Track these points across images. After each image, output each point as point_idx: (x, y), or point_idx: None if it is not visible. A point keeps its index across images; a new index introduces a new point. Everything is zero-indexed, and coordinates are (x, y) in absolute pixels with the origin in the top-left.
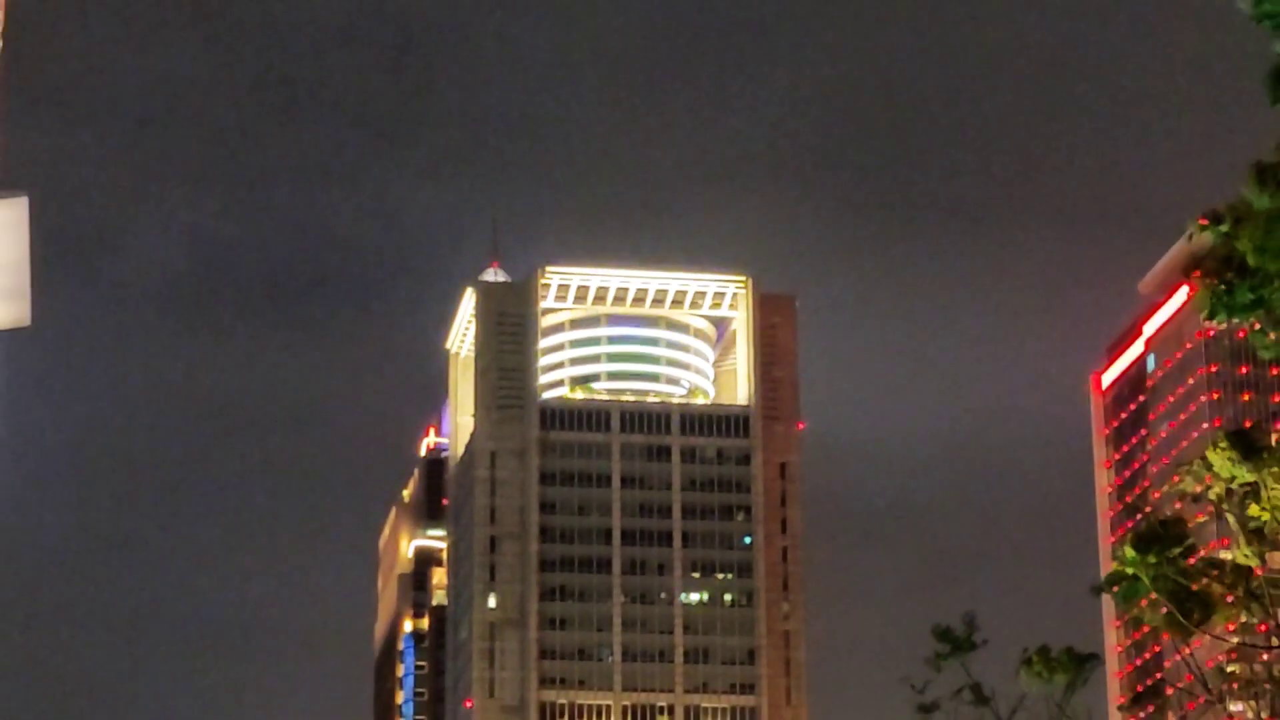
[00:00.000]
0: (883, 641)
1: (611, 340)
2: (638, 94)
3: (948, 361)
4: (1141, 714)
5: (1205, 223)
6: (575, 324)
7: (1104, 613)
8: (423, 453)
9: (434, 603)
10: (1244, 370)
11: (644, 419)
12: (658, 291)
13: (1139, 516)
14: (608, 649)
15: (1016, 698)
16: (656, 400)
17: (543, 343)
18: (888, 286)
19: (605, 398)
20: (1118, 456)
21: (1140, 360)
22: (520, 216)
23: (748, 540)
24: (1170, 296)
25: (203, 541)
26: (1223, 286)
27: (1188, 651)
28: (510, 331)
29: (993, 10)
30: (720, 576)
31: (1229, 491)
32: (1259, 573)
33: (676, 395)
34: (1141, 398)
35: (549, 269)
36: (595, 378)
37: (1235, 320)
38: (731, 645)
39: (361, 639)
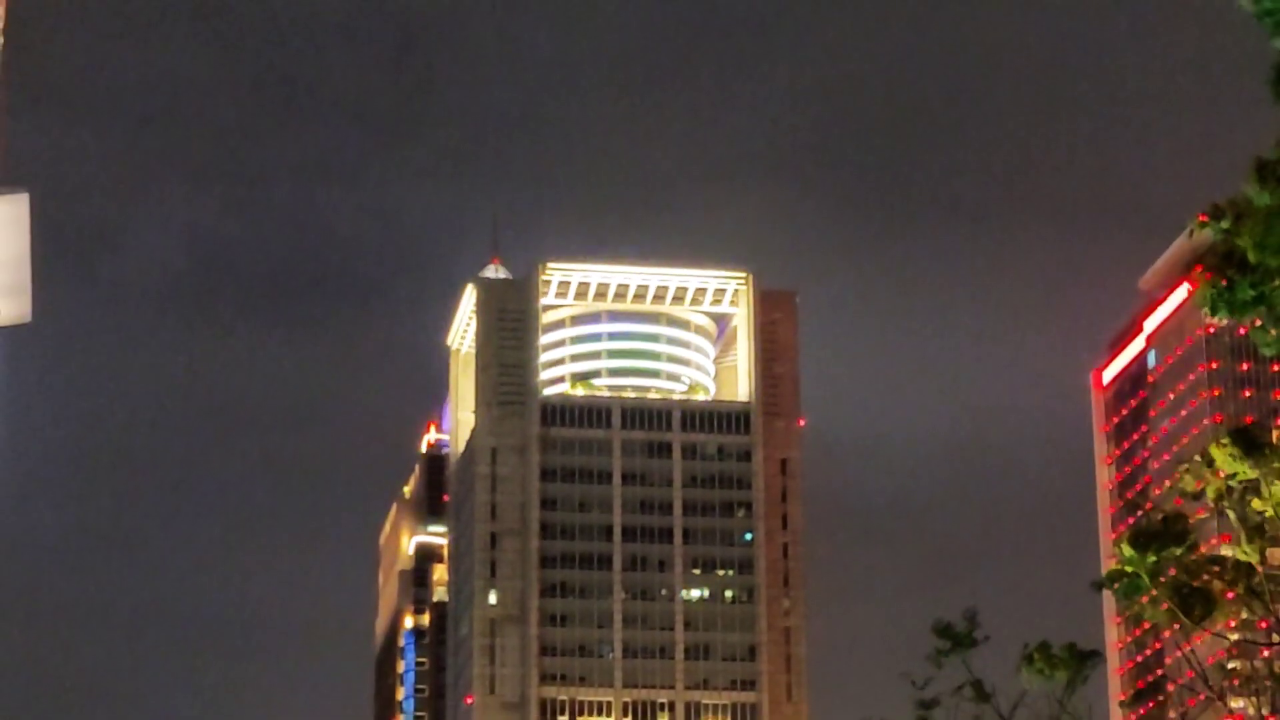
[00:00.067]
0: (883, 638)
1: (612, 336)
2: (638, 91)
3: (948, 358)
4: (1142, 710)
5: (1205, 219)
6: (576, 320)
7: (1105, 609)
8: (423, 449)
9: (435, 599)
10: (1245, 367)
11: (644, 415)
12: (658, 288)
13: (1140, 513)
14: (608, 645)
15: (1017, 694)
16: (657, 396)
17: (543, 339)
18: (888, 283)
19: (606, 394)
20: (1118, 453)
21: (1141, 357)
22: (521, 213)
23: (748, 537)
24: (1171, 293)
25: (204, 538)
26: (1223, 283)
27: (1188, 648)
28: (511, 328)
29: (993, 8)
30: (721, 573)
31: (1229, 489)
32: (1260, 570)
33: (677, 391)
34: (1142, 394)
35: (549, 265)
36: (596, 374)
37: (1236, 317)
38: (732, 642)
39: (362, 635)
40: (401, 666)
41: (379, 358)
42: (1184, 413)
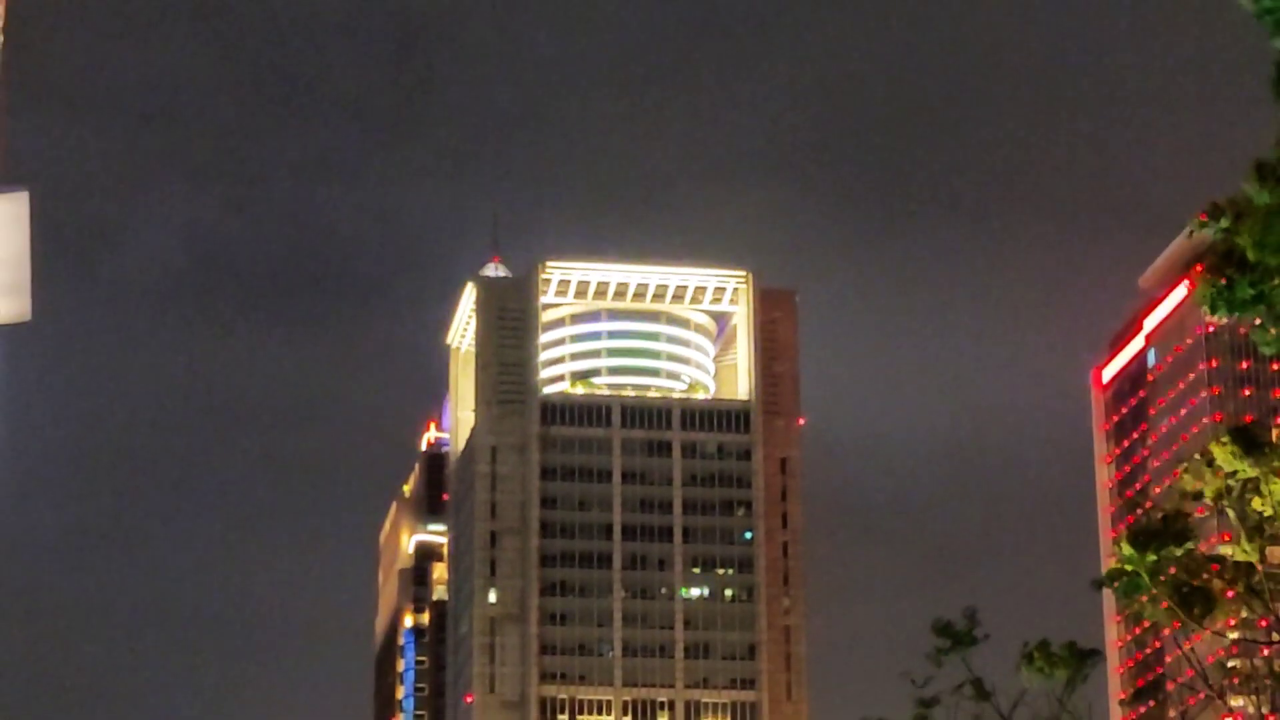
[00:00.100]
0: (883, 636)
1: (612, 335)
2: (638, 90)
3: (948, 357)
4: (1142, 709)
5: (1205, 218)
6: (576, 319)
7: (1104, 608)
8: (423, 448)
9: (434, 598)
10: (1245, 365)
11: (644, 414)
12: (658, 286)
13: (1140, 511)
14: (608, 644)
15: (1017, 693)
16: (657, 395)
17: (543, 338)
18: (888, 282)
19: (606, 393)
20: (1118, 451)
21: (1141, 355)
22: (521, 212)
23: (748, 535)
24: (1171, 291)
25: (204, 537)
26: (1223, 282)
27: (1188, 646)
28: (511, 326)
29: (992, 7)
30: (721, 572)
31: (1229, 488)
32: (1260, 568)
33: (677, 390)
34: (1142, 393)
35: (550, 264)
36: (596, 373)
37: (1236, 316)
38: (732, 640)
39: (362, 634)
40: (401, 665)
41: (379, 356)
42: (1184, 411)
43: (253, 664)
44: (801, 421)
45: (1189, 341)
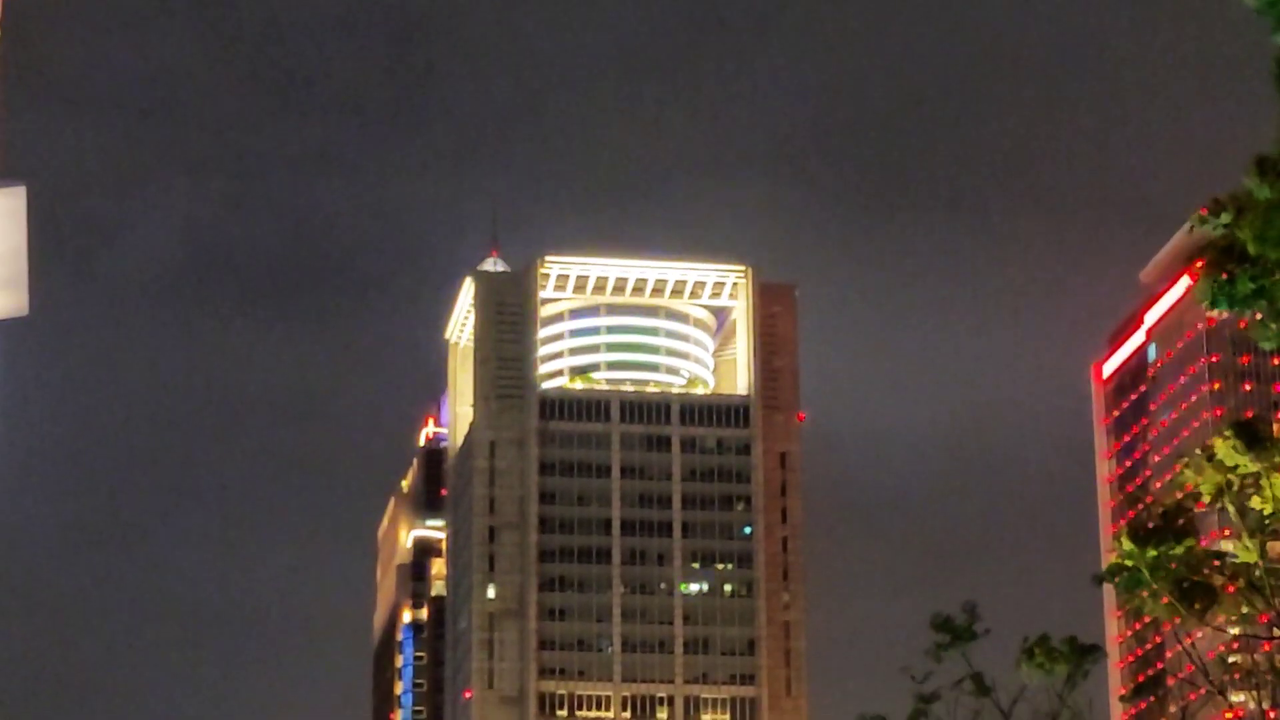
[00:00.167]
0: (883, 632)
1: (611, 330)
2: (637, 84)
3: (948, 351)
4: (1143, 705)
5: (1206, 212)
6: (574, 314)
7: (1105, 603)
8: (422, 443)
9: (433, 593)
10: (1245, 360)
11: (643, 409)
12: (657, 281)
13: (1140, 507)
14: (607, 640)
15: (1018, 689)
16: (656, 390)
17: (542, 332)
18: (888, 276)
19: (605, 388)
20: (1119, 446)
21: (1141, 350)
22: (520, 206)
23: (748, 530)
24: (1171, 286)
25: (201, 533)
26: (1224, 276)
27: (1189, 642)
28: (509, 321)
29: (992, 2)
30: (720, 567)
31: (1229, 483)
32: (1260, 564)
33: (676, 385)
34: (1143, 387)
35: (548, 259)
36: (595, 367)
37: (1236, 310)
38: (731, 636)
39: (360, 629)
40: (400, 661)
41: (377, 351)
42: (1184, 406)
43: (251, 659)
44: (801, 416)
45: (1190, 336)
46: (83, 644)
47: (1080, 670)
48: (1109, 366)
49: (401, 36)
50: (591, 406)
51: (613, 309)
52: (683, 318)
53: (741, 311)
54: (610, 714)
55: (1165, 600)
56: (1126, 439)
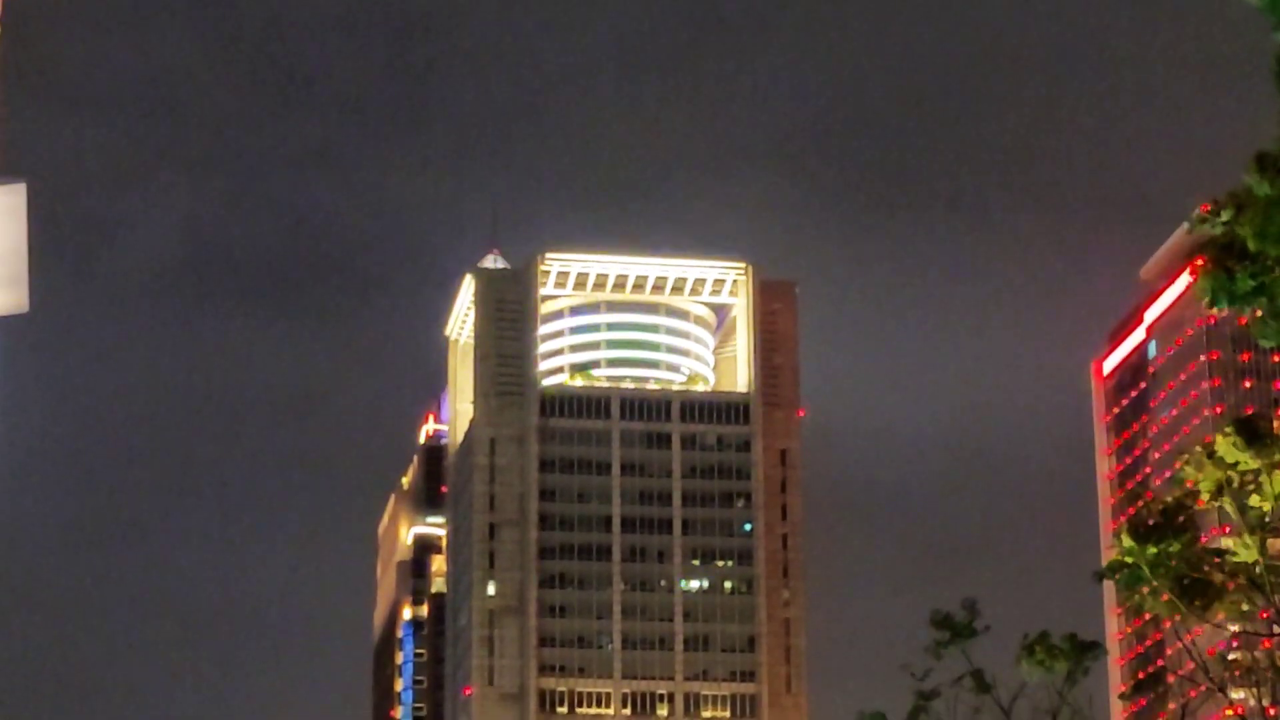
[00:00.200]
0: (883, 629)
1: (611, 327)
2: (638, 80)
3: (948, 348)
4: (1143, 702)
5: (1206, 210)
6: (575, 310)
7: (1105, 600)
8: (422, 440)
9: (433, 590)
10: (1245, 357)
11: (644, 406)
12: (658, 278)
13: (1140, 504)
14: (607, 636)
15: (1018, 686)
16: (656, 387)
17: (542, 329)
18: (888, 273)
19: (605, 384)
20: (1119, 443)
21: (1141, 347)
22: (520, 203)
23: (748, 527)
24: (1172, 283)
25: (202, 530)
26: (1224, 273)
27: (1189, 639)
28: (510, 318)
29: None
30: (720, 564)
31: (1229, 480)
32: (1260, 561)
33: (676, 382)
34: (1143, 384)
35: (549, 256)
36: (595, 364)
37: (1236, 308)
38: (731, 633)
39: (361, 626)
40: (400, 658)
41: (377, 349)
42: (1184, 403)
43: (251, 656)
44: (801, 413)
45: (1190, 333)
46: (82, 640)
47: (1080, 667)
48: (1109, 364)
49: (401, 34)
50: (592, 403)
51: (613, 306)
52: (683, 315)
53: (742, 308)
54: (610, 711)
55: (1165, 597)
56: (1127, 436)
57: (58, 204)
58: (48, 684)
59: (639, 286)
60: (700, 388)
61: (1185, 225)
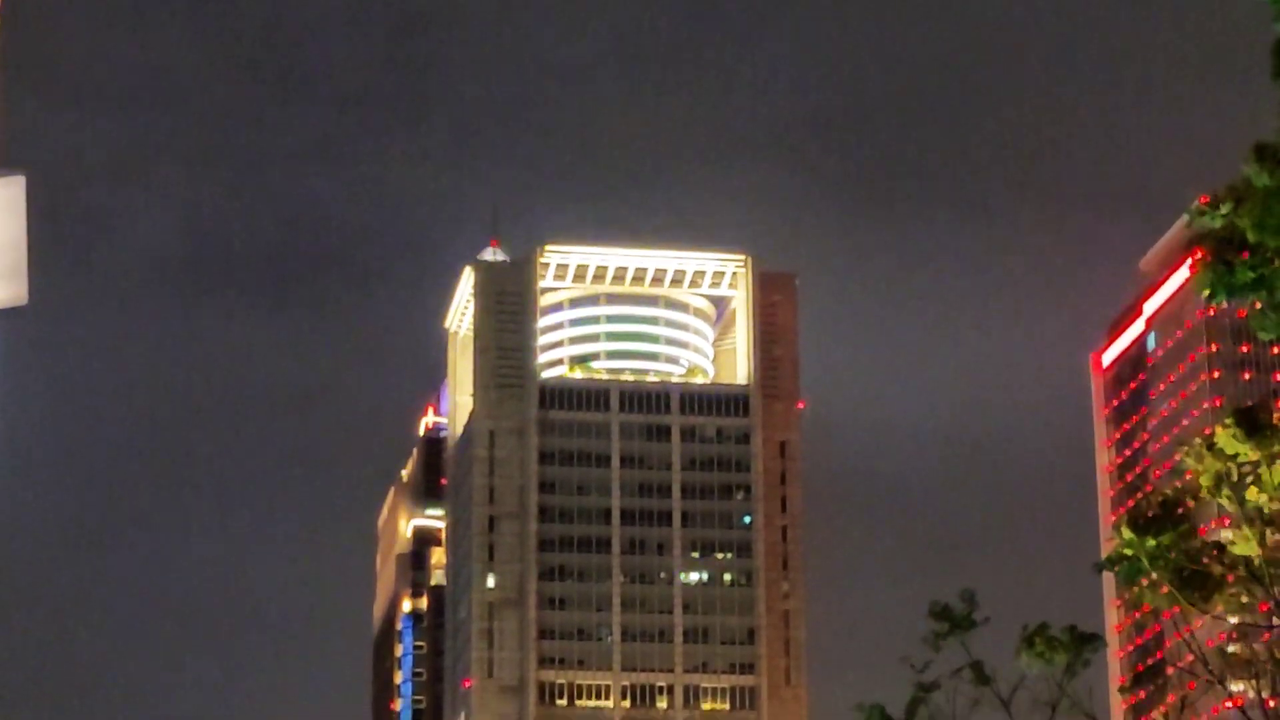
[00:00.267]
0: (883, 621)
1: (611, 319)
2: (638, 72)
3: (948, 340)
4: (1142, 694)
5: (1205, 202)
6: (574, 303)
7: (1104, 592)
8: (421, 432)
9: (432, 582)
10: (1245, 349)
11: (643, 398)
12: (657, 270)
13: (1140, 495)
14: (607, 629)
15: (1017, 677)
16: (656, 379)
17: (542, 322)
18: (888, 265)
19: (604, 377)
20: (1118, 435)
21: (1141, 339)
22: (519, 195)
23: (747, 519)
24: (1171, 275)
25: (201, 522)
26: (1223, 265)
27: (1188, 631)
28: (509, 310)
29: None
30: (720, 556)
31: (1228, 472)
32: (1260, 553)
33: (676, 374)
34: (1142, 376)
35: (548, 248)
36: (594, 357)
37: (1235, 300)
38: (731, 625)
39: (360, 619)
40: (399, 650)
41: (377, 341)
42: (1184, 395)
43: (251, 649)
44: (801, 405)
45: (1189, 325)
46: (81, 634)
47: (1080, 659)
48: (1108, 356)
49: (401, 27)
50: (591, 396)
51: (612, 298)
52: (682, 307)
53: (741, 300)
54: (610, 703)
55: (1165, 589)
56: (1126, 428)
57: (57, 197)
58: (46, 677)
59: (638, 279)
60: (700, 380)
61: (1184, 217)
